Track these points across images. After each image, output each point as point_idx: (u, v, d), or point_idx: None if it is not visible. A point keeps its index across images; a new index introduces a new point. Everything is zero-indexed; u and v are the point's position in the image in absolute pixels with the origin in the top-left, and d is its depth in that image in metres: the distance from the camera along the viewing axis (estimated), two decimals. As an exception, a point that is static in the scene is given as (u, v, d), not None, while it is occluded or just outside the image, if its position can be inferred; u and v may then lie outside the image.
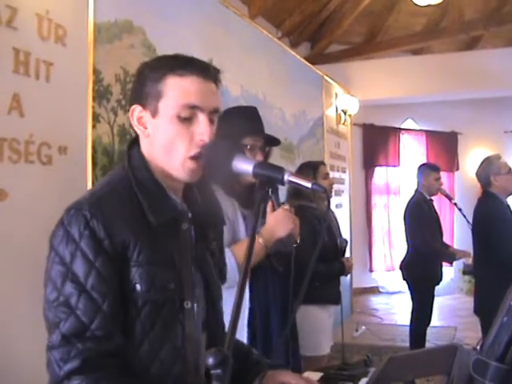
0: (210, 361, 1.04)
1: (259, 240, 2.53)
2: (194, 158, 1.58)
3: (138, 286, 1.51)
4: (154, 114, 1.59)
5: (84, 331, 1.44)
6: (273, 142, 2.90)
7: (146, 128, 1.62)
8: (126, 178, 1.61)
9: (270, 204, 2.50)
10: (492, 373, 1.28)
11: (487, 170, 4.73)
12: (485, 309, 4.65)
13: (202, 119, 1.59)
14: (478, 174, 4.85)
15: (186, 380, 1.58)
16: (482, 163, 4.86)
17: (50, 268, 1.49)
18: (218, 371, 1.04)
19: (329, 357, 4.30)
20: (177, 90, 1.57)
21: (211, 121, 1.61)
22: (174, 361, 1.56)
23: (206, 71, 1.63)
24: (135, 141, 1.68)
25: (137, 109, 1.62)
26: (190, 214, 1.68)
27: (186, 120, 1.57)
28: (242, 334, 2.61)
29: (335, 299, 4.28)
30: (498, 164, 4.75)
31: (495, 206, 4.62)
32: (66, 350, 1.42)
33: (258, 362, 1.93)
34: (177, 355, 1.57)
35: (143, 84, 1.61)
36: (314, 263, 1.47)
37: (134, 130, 1.66)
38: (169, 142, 1.58)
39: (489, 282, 4.55)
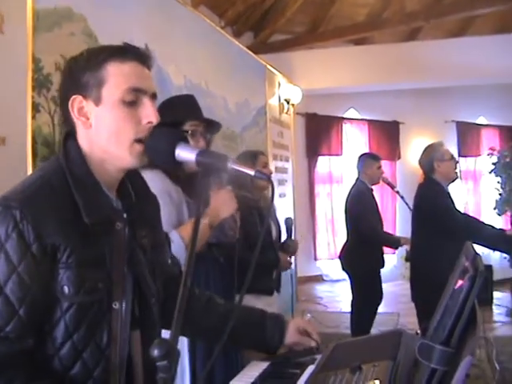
0: (155, 352, 1.03)
1: (205, 220, 2.55)
2: (140, 140, 1.56)
3: (65, 288, 1.49)
4: (97, 102, 1.56)
5: None
6: (214, 126, 2.90)
7: (88, 118, 1.57)
8: (61, 172, 1.56)
9: (216, 185, 2.51)
10: (437, 356, 1.30)
11: (431, 156, 4.79)
12: (419, 296, 4.74)
13: (146, 102, 1.58)
14: (421, 161, 4.91)
15: (107, 382, 1.56)
16: (425, 150, 4.92)
17: None
18: (164, 362, 1.02)
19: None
20: (118, 74, 1.55)
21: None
22: (97, 362, 1.55)
23: (143, 57, 1.62)
24: (71, 133, 1.64)
25: (77, 99, 1.57)
26: (124, 214, 1.65)
27: (131, 104, 1.56)
28: None
29: (269, 290, 4.24)
30: (441, 150, 4.83)
31: (437, 191, 4.69)
32: None
33: (276, 316, 2.11)
34: (100, 356, 1.55)
35: (80, 74, 1.56)
36: (256, 254, 1.47)
37: (67, 123, 1.62)
38: (116, 127, 1.56)
39: (425, 268, 4.63)
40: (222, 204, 2.61)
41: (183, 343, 2.62)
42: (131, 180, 1.73)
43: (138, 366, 1.66)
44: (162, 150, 1.50)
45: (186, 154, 1.45)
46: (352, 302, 6.05)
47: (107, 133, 1.56)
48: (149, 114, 1.57)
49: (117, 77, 1.55)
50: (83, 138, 1.60)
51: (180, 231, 2.54)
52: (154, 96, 1.61)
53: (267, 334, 2.03)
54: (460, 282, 1.41)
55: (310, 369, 1.85)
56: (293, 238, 4.75)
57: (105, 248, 1.56)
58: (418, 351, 1.35)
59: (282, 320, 2.08)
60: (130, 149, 1.56)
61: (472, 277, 1.33)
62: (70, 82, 1.60)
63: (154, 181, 2.52)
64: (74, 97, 1.57)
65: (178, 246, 2.48)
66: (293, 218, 4.71)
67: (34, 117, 3.27)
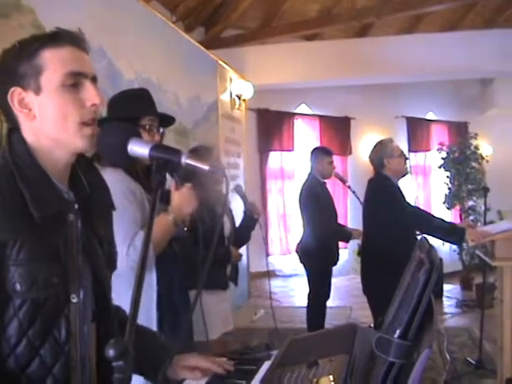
0: (111, 353, 1.00)
1: (169, 217, 2.58)
2: (88, 123, 1.53)
3: (17, 286, 1.45)
4: (38, 91, 1.52)
5: None
6: (168, 120, 2.92)
7: (30, 109, 1.53)
8: (6, 167, 1.52)
9: (173, 183, 2.52)
10: (395, 350, 1.30)
11: (380, 153, 4.83)
12: (372, 288, 4.78)
13: (87, 84, 1.55)
14: (371, 157, 4.95)
15: (67, 378, 1.53)
16: (375, 147, 4.96)
17: None
18: (120, 363, 1.00)
19: (229, 341, 4.29)
20: (55, 60, 1.52)
21: None
22: (56, 358, 1.51)
23: (79, 40, 1.58)
24: (15, 127, 1.59)
25: (16, 91, 1.53)
26: (76, 205, 1.61)
27: (72, 88, 1.53)
28: (153, 314, 2.63)
29: (222, 284, 4.27)
30: (390, 147, 4.87)
31: (387, 186, 4.74)
32: None
33: (165, 347, 1.94)
34: (60, 352, 1.51)
35: (16, 66, 1.53)
36: (212, 249, 1.46)
37: (9, 117, 1.57)
38: (60, 113, 1.52)
39: (374, 263, 4.68)
40: (185, 201, 2.63)
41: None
42: (84, 171, 1.69)
43: (93, 361, 1.63)
44: (114, 145, 1.46)
45: (139, 148, 1.42)
46: (308, 295, 6.06)
47: (53, 120, 1.53)
48: (92, 96, 1.54)
49: (54, 63, 1.51)
50: (28, 131, 1.56)
51: None
52: (94, 79, 1.58)
53: (153, 359, 1.91)
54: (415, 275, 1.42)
55: (267, 365, 1.84)
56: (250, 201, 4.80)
57: (58, 241, 1.52)
58: (376, 345, 1.35)
59: (170, 352, 1.94)
60: (78, 132, 1.53)
61: (428, 270, 1.34)
62: (6, 76, 1.55)
63: (117, 180, 2.50)
64: (12, 89, 1.53)
65: None
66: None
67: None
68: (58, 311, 1.51)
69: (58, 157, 1.57)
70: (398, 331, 1.33)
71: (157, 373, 1.83)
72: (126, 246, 2.48)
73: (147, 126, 2.70)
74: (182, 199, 2.62)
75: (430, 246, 1.56)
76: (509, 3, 11.48)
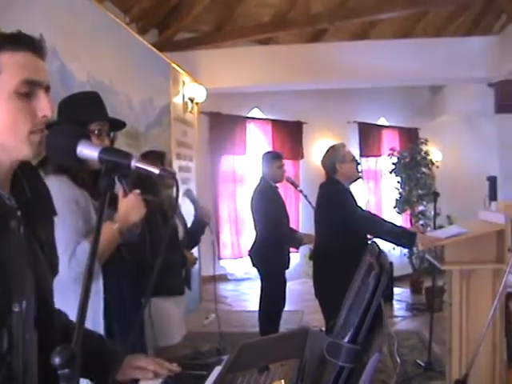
0: (57, 360, 0.97)
1: (114, 226, 2.51)
2: (37, 132, 1.49)
3: None
4: None
5: None
6: (118, 125, 2.85)
7: None
8: None
9: (121, 190, 2.43)
10: (345, 354, 1.30)
11: (332, 157, 4.87)
12: (324, 292, 4.81)
13: (41, 95, 1.51)
14: (323, 162, 4.98)
15: None
16: (327, 151, 4.99)
17: None
18: (66, 371, 0.97)
19: (181, 346, 4.27)
20: (13, 65, 1.47)
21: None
22: None
23: (38, 47, 1.54)
24: None
25: None
26: (18, 212, 1.56)
27: (25, 96, 1.48)
28: (100, 322, 2.57)
29: (179, 290, 4.27)
30: (342, 152, 4.91)
31: (339, 190, 4.77)
32: None
33: (114, 351, 1.91)
34: (1, 363, 1.46)
35: None
36: (161, 256, 1.44)
37: None
38: (10, 120, 1.47)
39: (329, 265, 4.70)
40: (132, 208, 2.55)
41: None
42: (25, 175, 1.64)
43: (34, 369, 1.57)
44: (63, 147, 1.43)
45: (88, 151, 1.40)
46: (260, 299, 6.06)
47: (2, 126, 1.48)
48: (43, 107, 1.50)
49: (10, 68, 1.47)
50: None
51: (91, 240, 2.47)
52: (48, 88, 1.55)
53: (104, 362, 1.86)
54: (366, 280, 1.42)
55: (217, 370, 1.82)
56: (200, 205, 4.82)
57: (1, 250, 1.47)
58: (326, 350, 1.35)
59: (119, 355, 1.91)
60: (26, 140, 1.49)
61: (378, 274, 1.34)
62: None
63: (61, 188, 2.45)
64: None
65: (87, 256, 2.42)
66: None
67: None
68: (0, 321, 1.46)
69: (1, 162, 1.53)
70: (348, 335, 1.33)
71: (106, 377, 1.80)
72: (68, 257, 2.43)
73: (96, 131, 2.64)
74: (129, 207, 2.55)
75: (380, 250, 1.57)
76: (459, 12, 11.71)
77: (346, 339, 1.33)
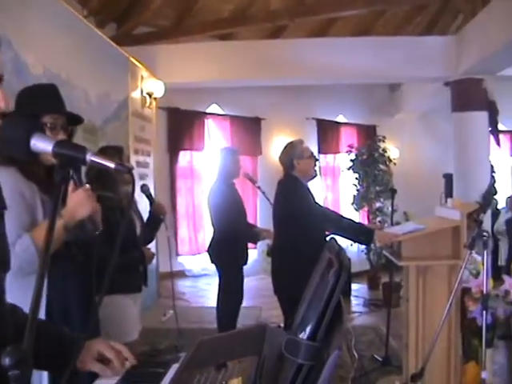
0: (7, 361, 0.94)
1: (59, 222, 2.39)
2: None
3: None
4: None
5: None
6: (75, 120, 2.78)
7: None
8: None
9: (71, 184, 2.33)
10: (304, 351, 1.29)
11: (290, 154, 4.86)
12: (282, 288, 4.81)
13: None
14: (281, 158, 4.98)
15: None
16: (285, 148, 4.99)
17: None
18: (17, 372, 0.94)
19: (137, 343, 4.23)
20: None
21: None
22: None
23: None
24: None
25: None
26: None
27: None
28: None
29: (137, 287, 4.25)
30: (300, 148, 4.91)
31: (297, 186, 4.77)
32: None
33: (72, 339, 1.87)
34: None
35: None
36: (116, 254, 1.42)
37: None
38: None
39: (287, 261, 4.70)
40: (79, 204, 2.41)
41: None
42: None
43: None
44: (16, 139, 1.39)
45: (42, 144, 1.36)
46: (218, 295, 6.04)
47: None
48: None
49: None
50: None
51: (33, 233, 2.43)
52: (0, 79, 1.51)
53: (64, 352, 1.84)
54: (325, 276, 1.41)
55: (175, 367, 1.80)
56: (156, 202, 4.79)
57: None
58: (285, 347, 1.34)
59: (78, 342, 1.86)
60: None
61: (337, 271, 1.34)
62: None
63: (6, 179, 2.37)
64: None
65: (28, 251, 2.36)
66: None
67: None
68: None
69: None
70: (307, 332, 1.32)
71: (66, 366, 1.69)
72: None
73: (48, 124, 2.57)
74: (78, 202, 2.41)
75: (340, 247, 1.56)
76: (417, 12, 11.84)
77: (305, 336, 1.32)
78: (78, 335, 1.92)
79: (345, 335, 1.93)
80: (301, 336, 1.35)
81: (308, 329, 1.33)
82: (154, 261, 5.19)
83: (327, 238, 4.68)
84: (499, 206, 10.69)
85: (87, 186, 2.43)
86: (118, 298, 3.82)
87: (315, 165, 4.98)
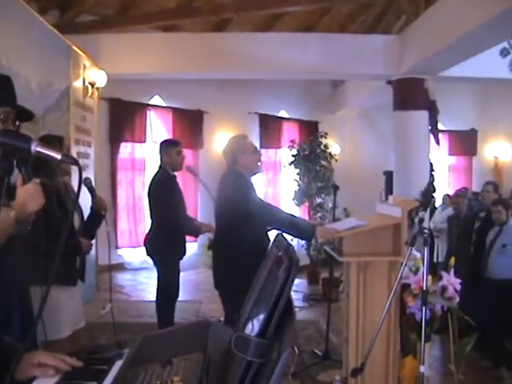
0: None
1: (11, 213, 2.35)
2: None
3: None
4: None
5: None
6: (25, 115, 2.71)
7: None
8: None
9: (20, 177, 2.28)
10: (253, 349, 1.28)
11: (233, 148, 4.84)
12: (223, 283, 4.80)
13: None
14: (224, 153, 4.95)
15: None
16: (228, 142, 4.97)
17: None
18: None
19: (74, 338, 4.14)
20: None
21: None
22: None
23: None
24: None
25: None
26: None
27: None
28: None
29: (72, 280, 4.11)
30: (244, 143, 4.89)
31: (239, 181, 4.75)
32: None
33: (12, 349, 1.82)
34: None
35: None
36: (63, 243, 1.38)
37: None
38: None
39: (226, 257, 4.69)
40: (29, 197, 2.35)
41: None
42: None
43: None
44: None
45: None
46: (157, 289, 5.98)
47: None
48: None
49: None
50: None
51: None
52: None
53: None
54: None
55: (119, 364, 1.77)
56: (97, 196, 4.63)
57: None
58: (234, 344, 1.33)
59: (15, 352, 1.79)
60: None
61: (288, 267, 1.33)
62: None
63: None
64: None
65: None
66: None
67: None
68: None
69: None
70: (256, 329, 1.31)
71: (4, 376, 1.67)
72: None
73: (2, 116, 2.51)
74: (28, 196, 2.35)
75: (288, 243, 1.56)
76: (361, 11, 11.97)
77: (254, 333, 1.31)
78: (18, 345, 1.87)
79: (297, 333, 1.94)
80: (248, 332, 1.34)
81: (257, 325, 1.32)
82: (93, 253, 5.11)
83: (268, 233, 4.73)
84: (436, 204, 10.90)
85: (37, 180, 2.37)
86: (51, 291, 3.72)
87: (259, 160, 4.97)
